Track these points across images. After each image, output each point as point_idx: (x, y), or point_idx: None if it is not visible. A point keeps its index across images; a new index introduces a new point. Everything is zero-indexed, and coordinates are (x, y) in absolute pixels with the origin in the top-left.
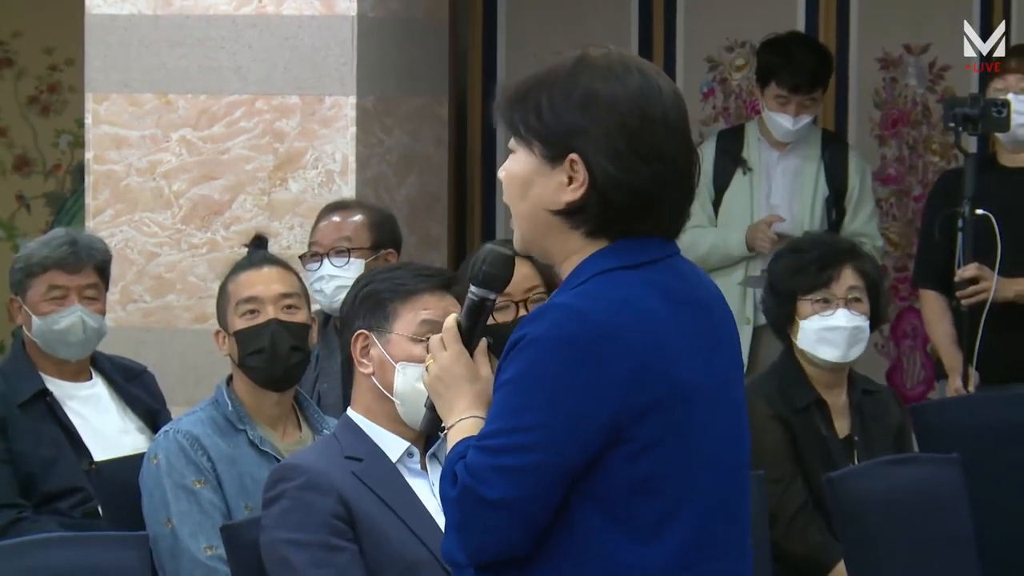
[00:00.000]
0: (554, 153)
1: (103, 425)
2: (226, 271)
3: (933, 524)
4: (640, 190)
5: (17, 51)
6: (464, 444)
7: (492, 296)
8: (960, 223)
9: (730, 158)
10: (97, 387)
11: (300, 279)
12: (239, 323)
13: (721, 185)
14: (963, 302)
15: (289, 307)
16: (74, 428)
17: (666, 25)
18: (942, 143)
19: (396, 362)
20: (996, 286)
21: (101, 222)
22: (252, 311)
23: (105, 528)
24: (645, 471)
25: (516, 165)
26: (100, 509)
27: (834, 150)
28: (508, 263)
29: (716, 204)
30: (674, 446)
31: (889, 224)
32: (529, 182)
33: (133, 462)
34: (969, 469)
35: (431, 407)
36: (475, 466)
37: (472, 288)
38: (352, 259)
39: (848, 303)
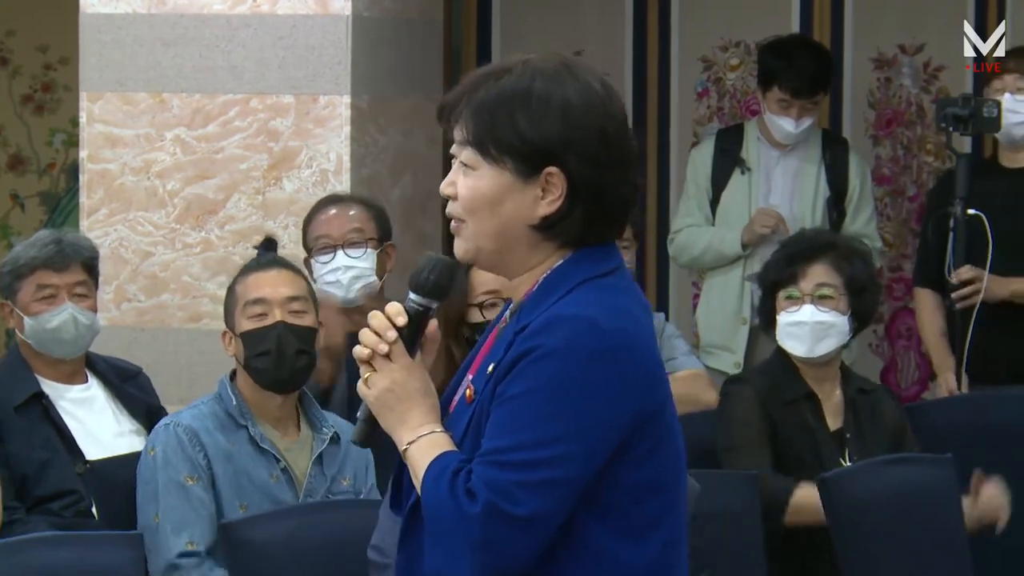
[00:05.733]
0: (530, 168)
1: (98, 427)
2: (220, 270)
3: (927, 524)
4: (621, 196)
5: (11, 50)
6: (453, 458)
7: (435, 305)
8: (952, 223)
9: (729, 158)
10: (92, 389)
11: (308, 282)
12: (246, 324)
13: (719, 185)
14: (957, 304)
15: (297, 311)
16: (68, 430)
17: (660, 25)
18: (936, 143)
19: None
20: (988, 285)
21: (95, 221)
22: (260, 313)
23: (98, 527)
24: (647, 475)
25: (483, 182)
26: (94, 508)
27: (835, 151)
28: (453, 272)
29: (714, 204)
30: (667, 447)
31: (884, 224)
32: (500, 199)
33: (127, 461)
34: (963, 469)
35: (367, 419)
36: (497, 482)
37: (414, 297)
38: (368, 249)
39: (816, 299)
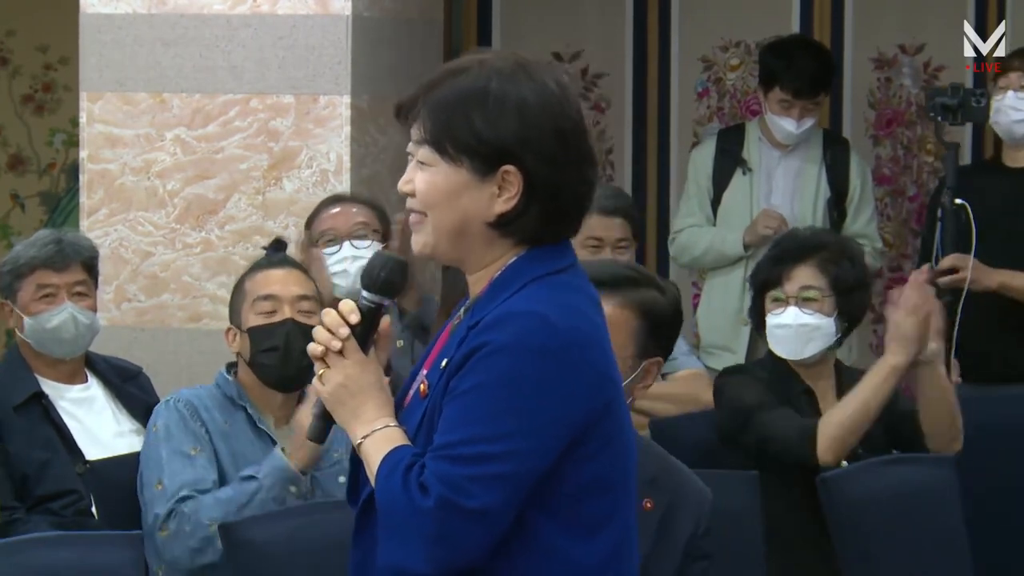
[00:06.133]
0: (486, 166)
1: (98, 427)
2: (220, 270)
3: (927, 524)
4: (576, 193)
5: (11, 50)
6: (407, 452)
7: (387, 303)
8: (939, 213)
9: (730, 158)
10: (92, 389)
11: (316, 285)
12: (255, 320)
13: (720, 185)
14: (940, 283)
15: (306, 310)
16: (68, 430)
17: (660, 25)
18: (937, 143)
19: None
20: (975, 275)
21: (95, 221)
22: (270, 310)
23: (99, 527)
24: (597, 472)
25: (439, 179)
26: (94, 508)
27: (836, 151)
28: (405, 270)
29: (715, 204)
30: (617, 444)
31: (884, 224)
32: (457, 196)
33: (127, 461)
34: (963, 469)
35: (321, 415)
36: (450, 476)
37: (366, 294)
38: (373, 242)
39: (800, 302)
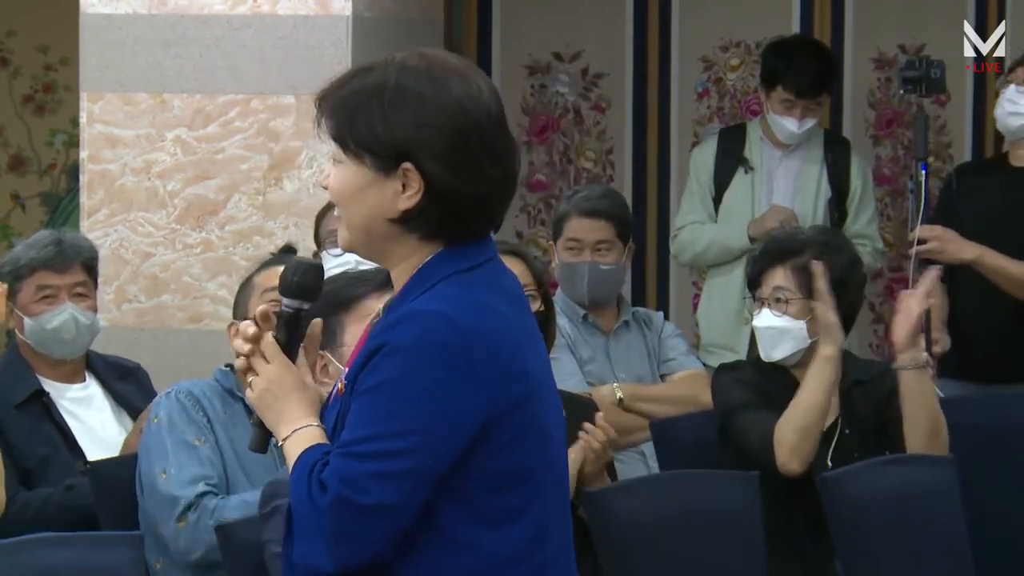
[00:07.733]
0: (387, 164)
1: (98, 426)
2: (220, 271)
3: (927, 524)
4: (477, 193)
5: (12, 50)
6: (317, 452)
7: (306, 306)
8: (910, 184)
9: (732, 157)
10: (91, 388)
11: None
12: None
13: (722, 183)
14: (911, 253)
15: None
16: (69, 429)
17: (661, 24)
18: (937, 144)
19: None
20: (951, 247)
21: (96, 222)
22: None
23: (99, 527)
24: (509, 464)
25: (346, 175)
26: (95, 508)
27: (837, 151)
28: (319, 273)
29: (716, 203)
30: (533, 435)
31: (884, 224)
32: (362, 192)
33: (127, 461)
34: (963, 469)
35: (259, 424)
36: (348, 473)
37: (284, 300)
38: None
39: (771, 304)
